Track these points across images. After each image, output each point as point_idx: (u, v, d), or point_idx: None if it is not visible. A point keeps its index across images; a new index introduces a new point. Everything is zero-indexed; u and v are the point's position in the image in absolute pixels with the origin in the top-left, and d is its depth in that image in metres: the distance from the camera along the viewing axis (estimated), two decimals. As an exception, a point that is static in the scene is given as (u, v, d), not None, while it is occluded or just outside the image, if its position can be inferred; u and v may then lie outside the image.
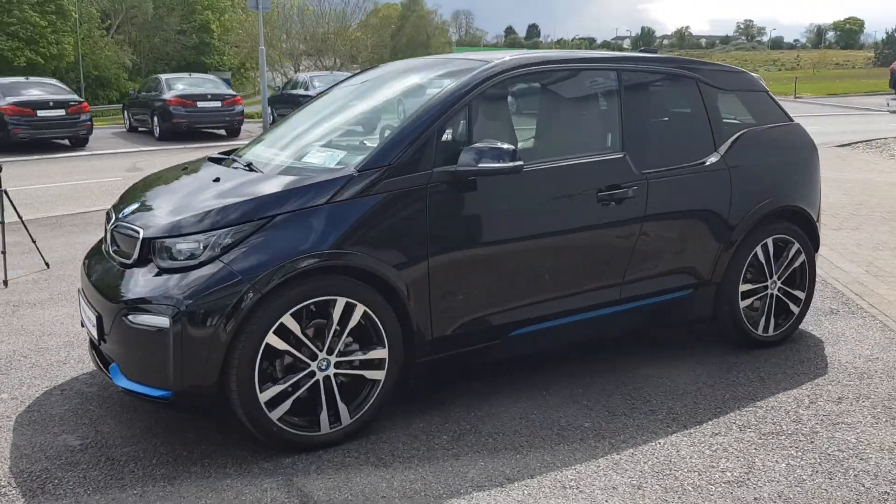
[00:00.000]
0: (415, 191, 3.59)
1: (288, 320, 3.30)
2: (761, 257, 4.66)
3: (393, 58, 53.54)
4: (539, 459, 3.40)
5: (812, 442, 3.60)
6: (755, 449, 3.53)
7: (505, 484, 3.20)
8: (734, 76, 4.88)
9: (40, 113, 16.72)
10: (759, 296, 4.72)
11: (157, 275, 3.36)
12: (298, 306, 3.32)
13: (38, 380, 4.32)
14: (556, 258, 4.00)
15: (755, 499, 3.11)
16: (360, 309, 3.45)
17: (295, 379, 3.37)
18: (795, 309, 4.86)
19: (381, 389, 3.57)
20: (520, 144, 4.16)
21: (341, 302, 3.41)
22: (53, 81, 19.59)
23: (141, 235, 3.47)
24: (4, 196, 6.41)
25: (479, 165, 3.60)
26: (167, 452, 3.48)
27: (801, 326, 5.04)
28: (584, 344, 4.54)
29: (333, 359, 3.44)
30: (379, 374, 3.56)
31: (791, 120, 5.03)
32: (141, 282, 3.38)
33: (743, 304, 4.64)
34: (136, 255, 3.48)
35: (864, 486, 3.22)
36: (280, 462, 3.37)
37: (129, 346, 3.35)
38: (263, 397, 3.30)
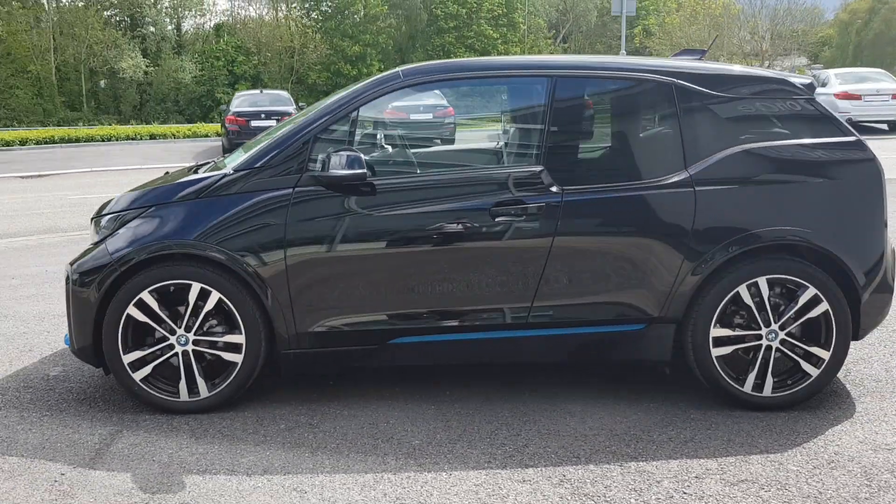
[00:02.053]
0: (280, 192, 3.87)
1: (146, 296, 3.86)
2: (747, 299, 3.88)
3: (855, 57, 48.59)
4: (336, 464, 3.47)
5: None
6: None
7: (268, 475, 3.37)
8: (746, 80, 4.07)
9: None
10: (745, 346, 3.93)
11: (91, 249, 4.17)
12: (157, 285, 3.86)
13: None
14: (440, 270, 3.90)
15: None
16: (215, 295, 3.86)
17: (153, 349, 3.92)
18: (812, 370, 3.93)
19: (238, 371, 3.93)
20: (426, 153, 4.11)
21: (196, 287, 3.86)
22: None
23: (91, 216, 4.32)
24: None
25: (330, 172, 3.74)
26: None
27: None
28: (494, 365, 4.30)
29: (192, 336, 3.91)
30: (236, 358, 3.93)
31: (848, 135, 4.02)
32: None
33: (718, 351, 3.91)
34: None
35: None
36: (125, 416, 3.95)
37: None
38: (126, 359, 3.91)
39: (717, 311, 3.89)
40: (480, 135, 4.29)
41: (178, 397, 3.95)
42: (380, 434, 3.74)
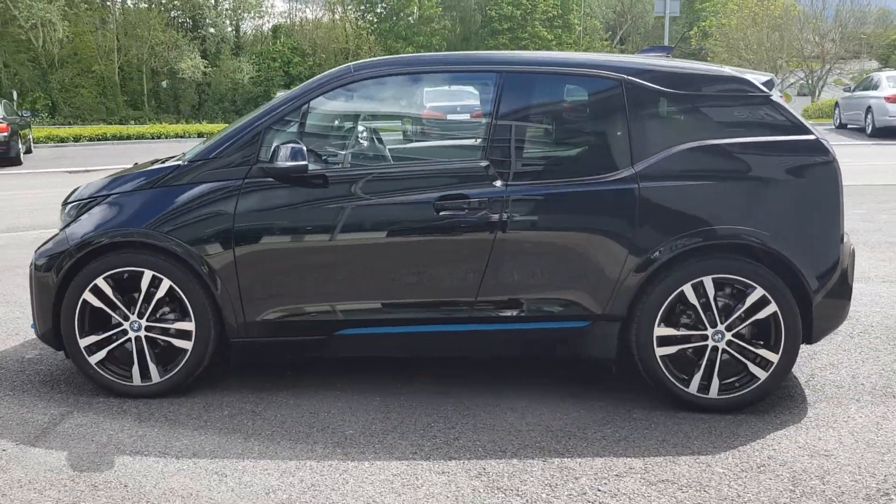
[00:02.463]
0: (230, 183, 3.96)
1: (101, 282, 4.00)
2: (692, 299, 3.82)
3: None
4: (265, 450, 3.54)
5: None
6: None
7: (195, 458, 3.46)
8: (698, 78, 4.01)
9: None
10: (691, 346, 3.88)
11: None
12: (111, 272, 3.99)
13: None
14: (383, 262, 3.94)
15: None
16: (166, 283, 3.97)
17: (108, 333, 4.05)
18: (760, 373, 3.85)
19: (188, 358, 4.04)
20: (380, 147, 4.16)
21: (148, 274, 3.98)
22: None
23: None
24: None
25: (275, 163, 3.82)
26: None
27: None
28: (444, 357, 4.33)
29: (144, 322, 4.03)
30: (186, 345, 4.03)
31: (806, 135, 3.93)
32: None
33: (662, 351, 3.87)
34: None
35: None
36: (81, 398, 4.09)
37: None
38: (83, 343, 4.05)
39: (662, 309, 3.84)
40: (432, 129, 4.33)
41: (131, 381, 4.08)
42: (317, 423, 3.80)
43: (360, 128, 4.32)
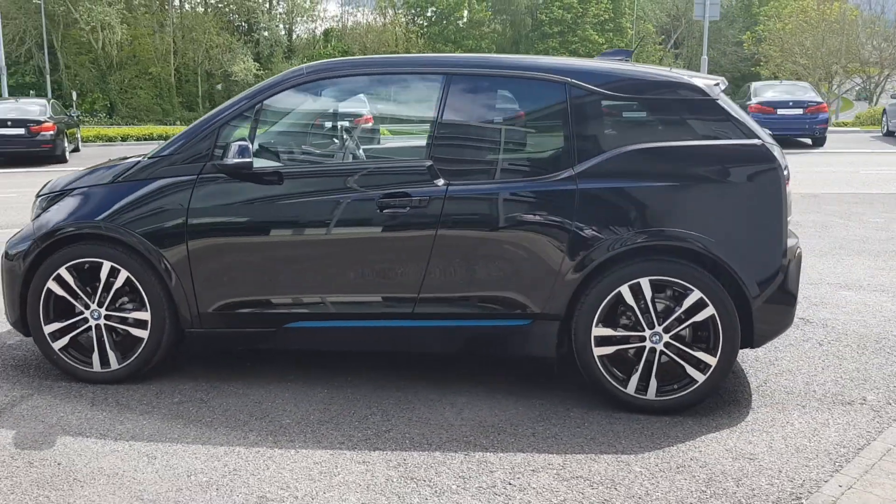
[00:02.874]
0: (185, 178, 4.11)
1: (64, 272, 4.19)
2: (630, 300, 3.84)
3: None
4: (200, 436, 3.68)
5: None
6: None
7: (132, 441, 3.62)
8: (642, 82, 4.03)
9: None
10: (629, 347, 3.89)
11: None
12: (73, 262, 4.18)
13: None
14: (329, 258, 4.04)
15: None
16: (123, 273, 4.15)
17: (70, 321, 4.24)
18: (698, 376, 3.85)
19: (145, 346, 4.20)
20: (328, 146, 4.26)
21: (107, 265, 4.15)
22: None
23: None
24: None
25: (224, 160, 3.96)
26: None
27: (712, 400, 3.94)
28: (390, 352, 4.43)
29: (104, 311, 4.20)
30: (143, 333, 4.20)
31: (751, 139, 3.91)
32: None
33: (600, 351, 3.89)
34: None
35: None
36: (45, 382, 4.28)
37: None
38: (47, 330, 4.25)
39: (599, 310, 3.86)
40: (382, 128, 4.44)
41: (92, 368, 4.26)
42: (258, 412, 3.92)
43: (310, 127, 4.43)
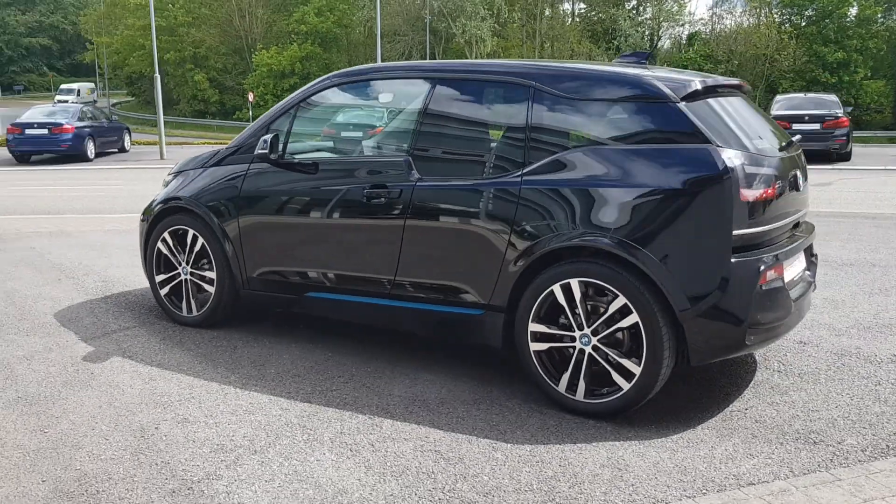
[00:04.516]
0: (243, 166, 5.05)
1: (167, 236, 5.37)
2: (561, 299, 3.93)
3: None
4: (213, 373, 4.57)
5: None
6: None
7: (163, 368, 4.65)
8: (606, 83, 4.00)
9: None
10: (560, 345, 3.98)
11: None
12: (171, 228, 5.35)
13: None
14: (333, 239, 4.68)
15: None
16: (200, 240, 5.22)
17: (170, 274, 5.42)
18: (623, 383, 3.82)
19: (212, 300, 5.23)
20: (342, 140, 4.89)
21: (191, 232, 5.26)
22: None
23: None
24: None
25: (256, 151, 4.82)
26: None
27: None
28: (378, 326, 4.85)
29: (189, 268, 5.32)
30: (211, 289, 5.23)
31: (702, 143, 3.73)
32: None
33: (535, 346, 4.03)
34: None
35: None
36: (149, 318, 5.49)
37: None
38: (157, 279, 5.48)
39: (535, 306, 3.98)
40: (382, 125, 4.96)
41: (182, 312, 5.39)
42: (259, 362, 4.68)
43: (327, 124, 5.08)
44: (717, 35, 49.44)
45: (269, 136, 4.75)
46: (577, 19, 51.64)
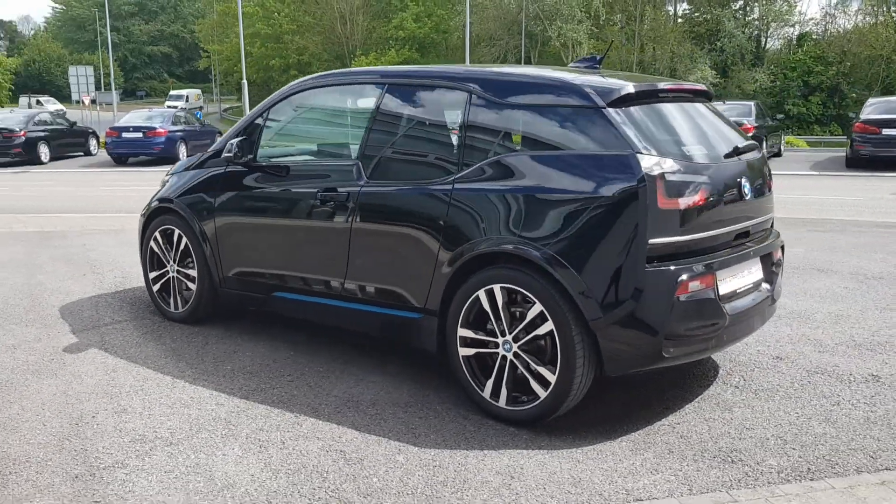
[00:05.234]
0: (220, 169, 5.24)
1: (157, 235, 5.62)
2: (486, 305, 3.90)
3: None
4: (171, 367, 4.77)
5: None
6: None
7: (129, 360, 4.89)
8: (536, 87, 3.94)
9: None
10: (486, 351, 3.96)
11: None
12: (160, 228, 5.59)
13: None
14: (292, 240, 4.79)
15: None
16: (184, 239, 5.45)
17: (161, 271, 5.66)
18: (540, 391, 3.77)
19: (193, 297, 5.44)
20: (301, 146, 5.01)
21: (177, 232, 5.49)
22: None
23: None
24: None
25: (223, 155, 4.99)
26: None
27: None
28: (337, 327, 4.87)
29: (175, 266, 5.56)
30: (193, 286, 5.45)
31: (625, 151, 3.62)
32: None
33: (464, 351, 4.02)
34: None
35: None
36: (143, 312, 5.74)
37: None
38: (150, 276, 5.74)
39: (463, 311, 3.96)
40: (340, 130, 5.02)
41: (170, 308, 5.63)
42: (222, 359, 4.84)
43: (287, 129, 5.17)
44: (830, 35, 47.20)
45: (236, 140, 4.90)
46: (681, 20, 50.35)
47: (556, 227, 3.66)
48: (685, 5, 51.91)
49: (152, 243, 5.66)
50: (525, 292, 3.73)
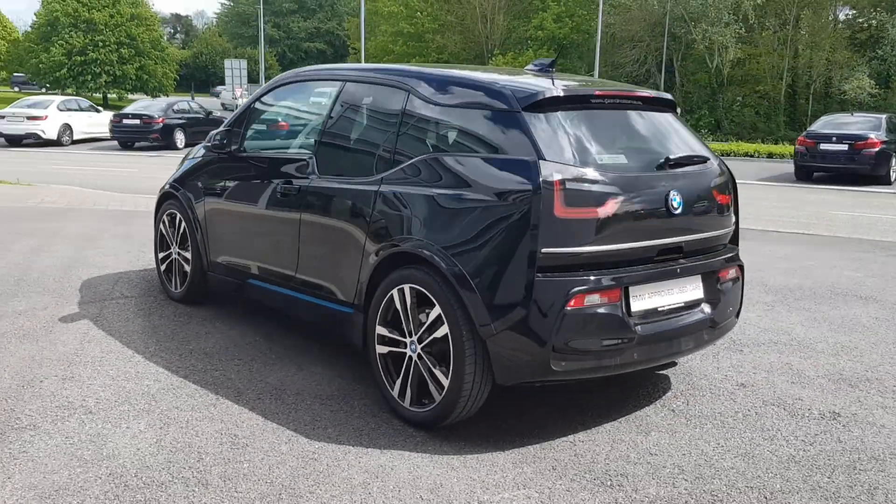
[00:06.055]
0: (209, 157, 5.49)
1: (165, 217, 5.94)
2: (398, 304, 3.90)
3: None
4: (156, 341, 5.06)
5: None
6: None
7: (115, 336, 5.21)
8: (459, 88, 3.89)
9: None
10: (397, 350, 3.96)
11: None
12: (167, 211, 5.91)
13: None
14: (260, 231, 4.95)
15: None
16: (183, 224, 5.74)
17: (167, 252, 5.98)
18: (436, 394, 3.74)
19: (188, 277, 5.72)
20: (276, 139, 5.15)
21: (178, 216, 5.79)
22: None
23: None
24: None
25: (206, 143, 5.23)
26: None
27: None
28: (293, 316, 4.96)
29: (177, 249, 5.86)
30: (188, 268, 5.73)
31: (528, 156, 3.51)
32: None
33: (380, 349, 4.04)
34: None
35: None
36: (150, 289, 6.07)
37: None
38: (160, 256, 6.08)
39: (381, 309, 3.98)
40: (306, 125, 5.07)
41: (172, 287, 5.94)
42: (201, 340, 5.04)
43: (269, 122, 5.30)
44: None
45: (220, 130, 5.11)
46: (842, 25, 47.33)
47: (457, 229, 3.61)
48: (848, 10, 48.71)
49: (161, 226, 5.98)
50: (427, 294, 3.69)
